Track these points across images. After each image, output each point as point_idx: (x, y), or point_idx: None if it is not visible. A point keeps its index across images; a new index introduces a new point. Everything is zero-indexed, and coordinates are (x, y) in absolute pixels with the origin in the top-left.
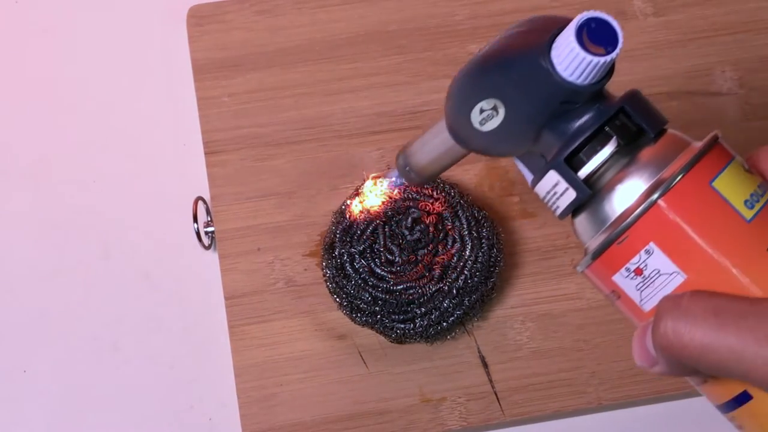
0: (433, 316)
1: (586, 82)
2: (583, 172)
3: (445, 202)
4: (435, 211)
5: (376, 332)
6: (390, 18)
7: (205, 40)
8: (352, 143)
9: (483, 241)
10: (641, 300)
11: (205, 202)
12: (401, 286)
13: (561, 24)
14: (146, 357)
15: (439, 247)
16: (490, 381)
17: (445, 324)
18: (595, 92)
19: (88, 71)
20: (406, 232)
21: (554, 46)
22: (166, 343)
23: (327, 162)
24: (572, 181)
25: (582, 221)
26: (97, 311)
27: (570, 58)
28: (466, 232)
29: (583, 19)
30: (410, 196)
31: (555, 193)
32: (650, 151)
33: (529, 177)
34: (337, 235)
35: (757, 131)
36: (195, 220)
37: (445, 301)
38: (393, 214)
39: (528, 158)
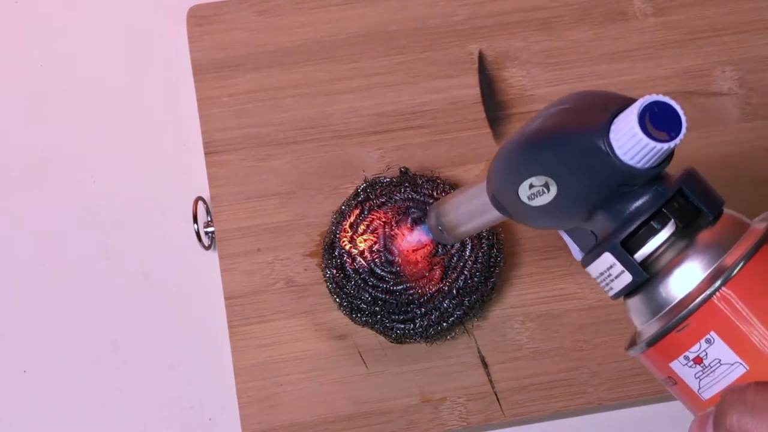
0: (433, 317)
1: (647, 166)
2: (640, 255)
3: None
4: None
5: (376, 332)
6: (390, 18)
7: (205, 40)
8: (352, 143)
9: (483, 241)
10: (699, 388)
11: (205, 202)
12: (401, 287)
13: (620, 104)
14: (146, 357)
15: (439, 247)
16: (490, 381)
17: (445, 324)
18: (653, 175)
19: (88, 71)
20: (407, 232)
21: (613, 128)
22: (166, 343)
23: (327, 162)
24: (628, 265)
25: (636, 304)
26: (97, 311)
27: (631, 143)
28: None
29: (646, 103)
30: (410, 196)
31: (609, 275)
32: (708, 233)
33: (575, 251)
34: (337, 235)
35: (757, 131)
36: (195, 220)
37: (445, 302)
38: (393, 214)
39: (576, 233)
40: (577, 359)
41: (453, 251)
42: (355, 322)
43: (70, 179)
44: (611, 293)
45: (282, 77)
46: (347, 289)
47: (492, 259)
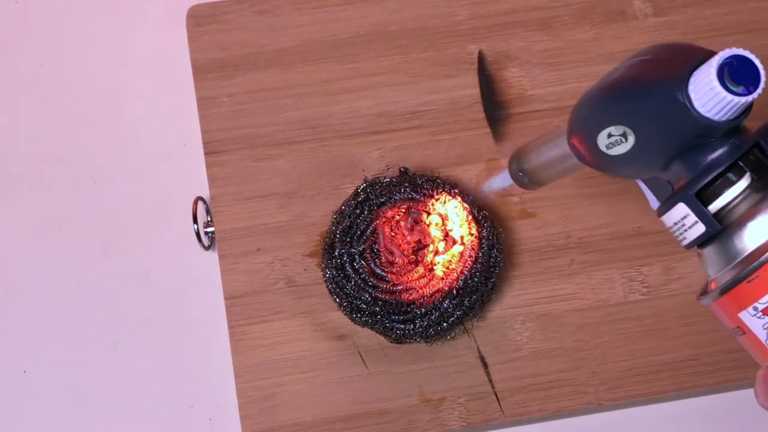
0: (433, 317)
1: (724, 118)
2: (714, 207)
3: (445, 202)
4: (435, 212)
5: (376, 332)
6: (390, 18)
7: (205, 40)
8: (352, 143)
9: (483, 241)
10: (767, 339)
11: (205, 202)
12: (401, 287)
13: (699, 56)
14: (146, 357)
15: (439, 247)
16: (490, 381)
17: (445, 324)
18: (731, 128)
19: (88, 71)
20: (406, 233)
21: (692, 80)
22: (166, 343)
23: (327, 162)
24: (702, 215)
25: (709, 254)
26: (97, 311)
27: (709, 96)
28: (466, 233)
29: (725, 57)
30: (410, 196)
31: (683, 225)
32: None
33: (652, 200)
34: (337, 236)
35: None
36: (195, 220)
37: (445, 302)
38: (393, 214)
39: (653, 182)
40: (577, 359)
41: (453, 251)
42: (355, 322)
43: (70, 179)
44: (684, 243)
45: (282, 77)
46: (347, 289)
47: (492, 259)
